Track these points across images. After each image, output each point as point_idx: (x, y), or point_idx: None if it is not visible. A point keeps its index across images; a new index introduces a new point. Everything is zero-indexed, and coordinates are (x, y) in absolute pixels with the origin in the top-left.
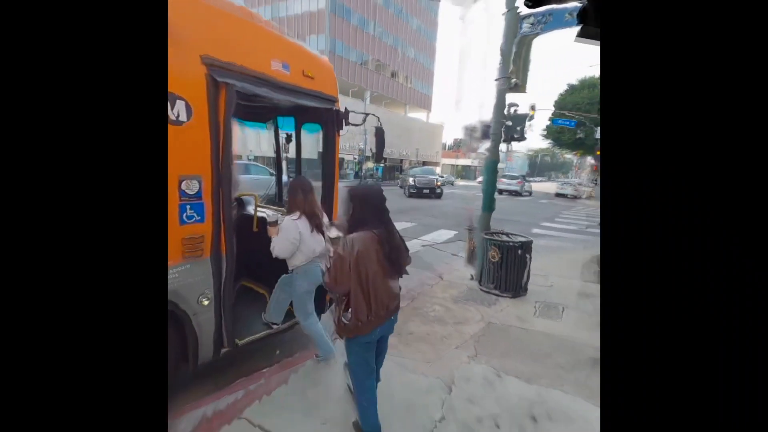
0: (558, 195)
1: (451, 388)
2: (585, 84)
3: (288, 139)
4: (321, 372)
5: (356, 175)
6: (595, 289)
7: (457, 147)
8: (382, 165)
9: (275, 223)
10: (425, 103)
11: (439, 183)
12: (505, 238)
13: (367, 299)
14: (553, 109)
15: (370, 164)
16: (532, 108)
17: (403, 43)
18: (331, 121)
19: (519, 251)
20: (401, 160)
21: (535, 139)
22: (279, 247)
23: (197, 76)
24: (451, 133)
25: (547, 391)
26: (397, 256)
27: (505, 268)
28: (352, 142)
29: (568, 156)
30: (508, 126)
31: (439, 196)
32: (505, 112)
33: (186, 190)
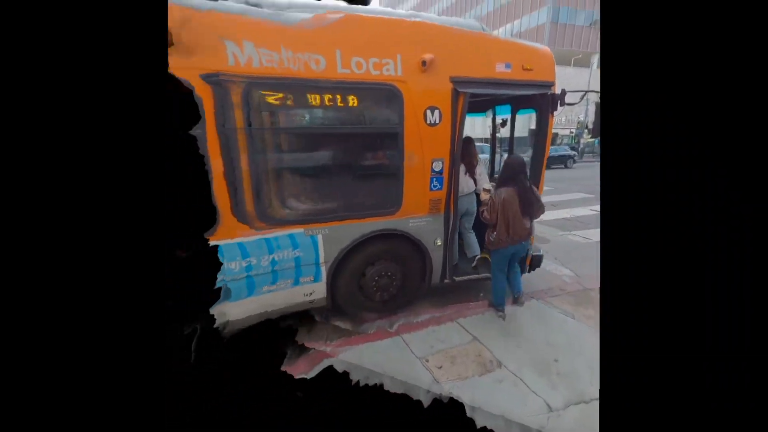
0: None
1: None
2: None
3: (503, 123)
4: (514, 314)
5: (572, 151)
6: None
7: None
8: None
9: (487, 191)
10: None
11: None
12: None
13: (506, 228)
14: None
15: (588, 138)
16: None
17: None
18: (545, 104)
19: None
20: None
21: None
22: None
23: (447, 92)
24: None
25: None
26: (528, 206)
27: None
28: (569, 116)
29: None
30: None
31: None
32: None
33: (434, 168)
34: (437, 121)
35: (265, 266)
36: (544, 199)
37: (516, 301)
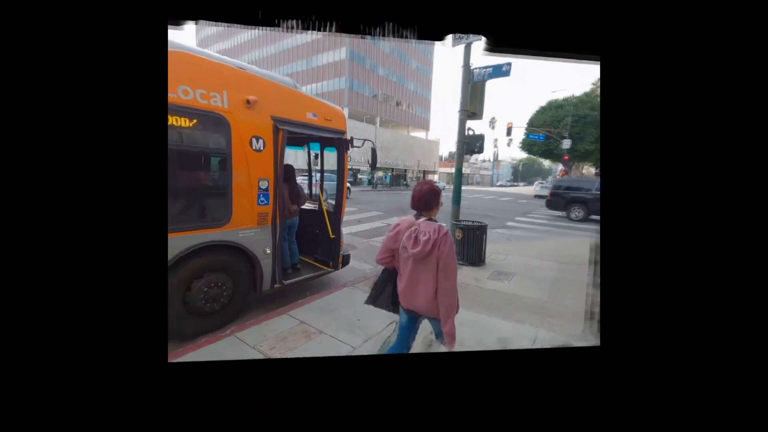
0: (537, 196)
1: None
2: (551, 105)
3: (316, 156)
4: (333, 302)
5: (369, 182)
6: (537, 262)
7: (451, 158)
8: (390, 174)
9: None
10: (424, 124)
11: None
12: (468, 223)
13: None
14: (526, 126)
15: (380, 173)
16: (509, 126)
17: (405, 79)
18: (341, 145)
19: (477, 232)
20: (405, 170)
21: (516, 150)
22: None
23: (268, 126)
24: (448, 147)
25: (481, 316)
26: (296, 196)
27: (467, 244)
28: (367, 156)
29: (547, 164)
30: (467, 143)
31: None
32: (466, 133)
33: (261, 186)
34: (262, 148)
35: None
36: (354, 217)
37: (293, 268)
